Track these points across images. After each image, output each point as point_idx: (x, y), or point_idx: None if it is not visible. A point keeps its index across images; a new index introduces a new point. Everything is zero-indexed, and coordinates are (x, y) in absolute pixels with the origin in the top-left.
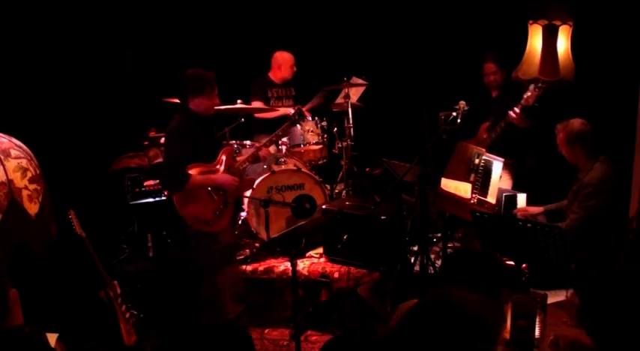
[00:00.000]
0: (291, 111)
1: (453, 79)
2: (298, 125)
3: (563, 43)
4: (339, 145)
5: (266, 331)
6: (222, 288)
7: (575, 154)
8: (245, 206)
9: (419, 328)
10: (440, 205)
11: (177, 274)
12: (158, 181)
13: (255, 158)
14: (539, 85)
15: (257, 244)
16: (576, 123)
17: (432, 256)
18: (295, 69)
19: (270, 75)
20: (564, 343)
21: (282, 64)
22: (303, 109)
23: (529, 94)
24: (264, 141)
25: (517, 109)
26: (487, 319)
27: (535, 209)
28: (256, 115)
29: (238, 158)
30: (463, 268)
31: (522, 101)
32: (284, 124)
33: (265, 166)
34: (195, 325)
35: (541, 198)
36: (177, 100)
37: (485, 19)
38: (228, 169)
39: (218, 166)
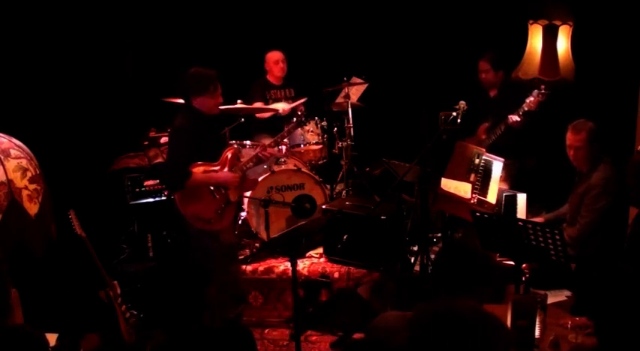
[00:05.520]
0: (284, 106)
1: (453, 79)
2: None
3: (563, 43)
4: (339, 145)
5: (266, 331)
6: (223, 288)
7: (592, 153)
8: (245, 206)
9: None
10: (440, 205)
11: (177, 273)
12: (158, 180)
13: (258, 160)
14: (542, 91)
15: (257, 244)
16: (590, 122)
17: (432, 256)
18: (284, 65)
19: (268, 77)
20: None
21: (271, 62)
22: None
23: (532, 99)
24: (265, 141)
25: (517, 117)
26: (493, 336)
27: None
28: (257, 114)
29: (242, 159)
30: (449, 266)
31: (524, 106)
32: (289, 125)
33: (265, 166)
34: (198, 325)
35: (541, 198)
36: (180, 100)
37: (485, 19)
38: (231, 169)
39: (221, 166)
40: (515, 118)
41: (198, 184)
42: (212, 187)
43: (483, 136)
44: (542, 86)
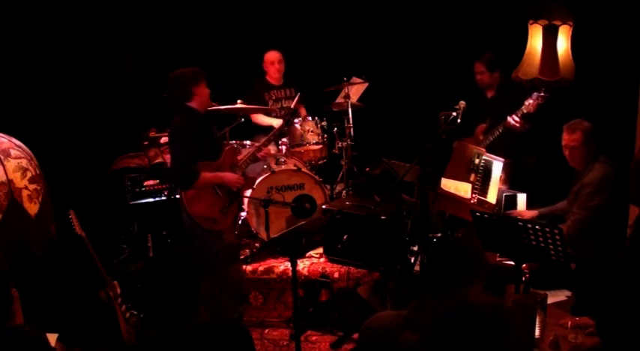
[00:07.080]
0: (278, 123)
1: (453, 79)
2: (298, 126)
3: (563, 43)
4: (339, 145)
5: (266, 331)
6: (225, 287)
7: (588, 153)
8: (245, 206)
9: (455, 340)
10: (440, 205)
11: (176, 271)
12: (164, 181)
13: (254, 158)
14: (542, 94)
15: (257, 244)
16: (586, 122)
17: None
18: (280, 66)
19: (268, 77)
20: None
21: (267, 63)
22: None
23: (531, 101)
24: (262, 140)
25: (517, 118)
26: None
27: (529, 213)
28: (253, 119)
29: (239, 157)
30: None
31: (523, 108)
32: (279, 125)
33: (265, 166)
34: (196, 324)
35: (541, 198)
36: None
37: (485, 19)
38: (231, 168)
39: (222, 165)
40: (515, 118)
41: (206, 183)
42: (216, 186)
43: (481, 138)
44: (542, 89)
